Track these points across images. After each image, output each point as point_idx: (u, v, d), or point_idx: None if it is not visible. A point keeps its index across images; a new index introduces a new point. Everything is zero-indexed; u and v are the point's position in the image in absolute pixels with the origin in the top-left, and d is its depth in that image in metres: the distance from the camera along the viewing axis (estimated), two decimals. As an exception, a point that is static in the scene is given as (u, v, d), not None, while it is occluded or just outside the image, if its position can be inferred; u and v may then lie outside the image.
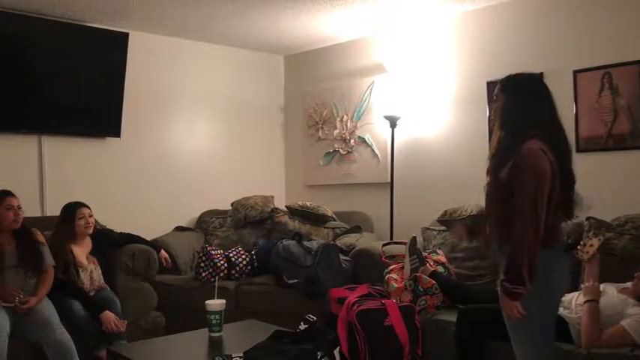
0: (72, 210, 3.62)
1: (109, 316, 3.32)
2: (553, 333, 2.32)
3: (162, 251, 4.10)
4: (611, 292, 2.78)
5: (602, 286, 2.82)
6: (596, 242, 2.81)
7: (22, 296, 3.11)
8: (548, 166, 2.13)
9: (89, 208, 3.68)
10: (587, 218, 3.33)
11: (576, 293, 2.83)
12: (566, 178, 2.22)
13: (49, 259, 3.35)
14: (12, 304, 3.07)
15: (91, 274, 3.56)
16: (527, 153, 2.12)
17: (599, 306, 2.68)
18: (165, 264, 4.07)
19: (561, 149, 2.23)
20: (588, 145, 3.69)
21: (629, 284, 2.81)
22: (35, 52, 4.14)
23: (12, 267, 3.22)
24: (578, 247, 2.86)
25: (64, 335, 3.08)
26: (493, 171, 2.25)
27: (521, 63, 4.00)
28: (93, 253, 3.69)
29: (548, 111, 2.27)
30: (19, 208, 3.30)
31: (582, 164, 3.70)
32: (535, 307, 2.16)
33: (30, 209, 3.83)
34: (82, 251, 3.62)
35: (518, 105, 2.25)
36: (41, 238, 3.41)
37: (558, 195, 2.18)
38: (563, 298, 2.89)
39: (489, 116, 2.34)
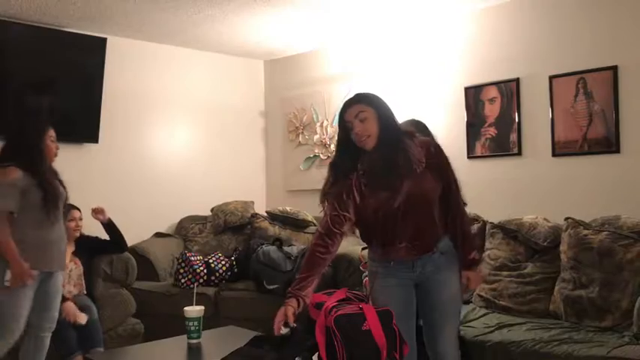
0: (64, 211, 3.58)
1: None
2: None
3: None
4: None
5: None
6: None
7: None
8: None
9: (80, 211, 3.69)
10: (566, 218, 3.36)
11: None
12: None
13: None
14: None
15: (70, 272, 3.56)
16: (438, 145, 2.40)
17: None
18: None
19: None
20: (564, 149, 3.75)
21: None
22: (12, 57, 4.10)
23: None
24: None
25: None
26: (415, 181, 2.24)
27: (498, 69, 4.07)
28: (76, 254, 3.67)
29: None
30: (53, 141, 3.14)
31: (558, 168, 3.81)
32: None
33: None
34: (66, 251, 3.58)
35: (390, 115, 2.32)
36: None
37: None
38: None
39: (360, 135, 2.26)
